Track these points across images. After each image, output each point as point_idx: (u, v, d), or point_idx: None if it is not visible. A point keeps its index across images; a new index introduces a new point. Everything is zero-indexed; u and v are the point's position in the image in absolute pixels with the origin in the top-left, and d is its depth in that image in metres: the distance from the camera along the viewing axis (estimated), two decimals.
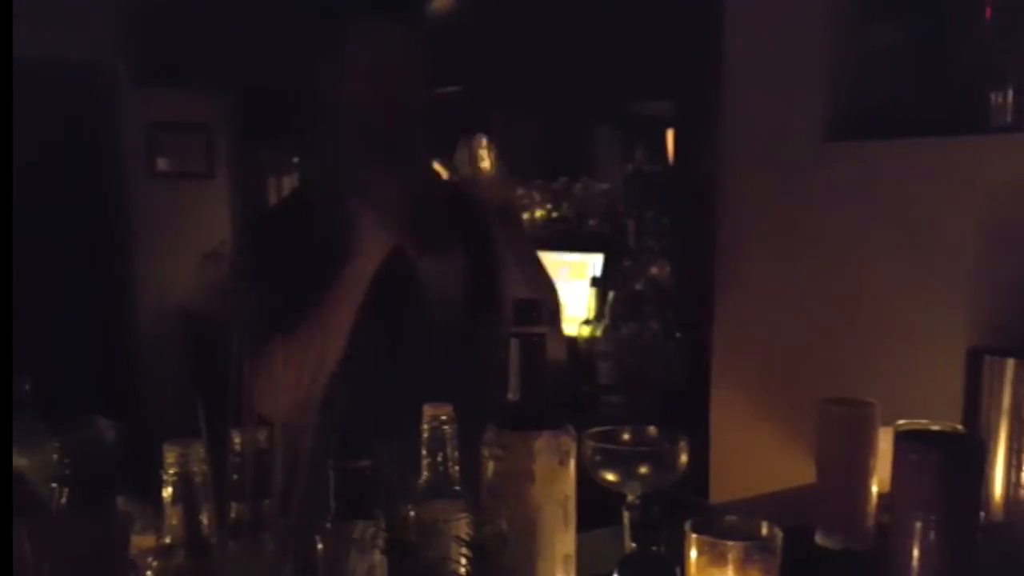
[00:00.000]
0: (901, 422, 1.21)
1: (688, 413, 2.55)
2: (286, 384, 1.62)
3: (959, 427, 1.51)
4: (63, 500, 1.01)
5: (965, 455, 0.97)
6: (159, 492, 0.94)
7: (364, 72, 1.70)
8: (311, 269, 1.61)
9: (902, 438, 1.01)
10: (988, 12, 2.06)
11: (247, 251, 1.86)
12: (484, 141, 2.35)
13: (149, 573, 0.94)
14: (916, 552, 0.96)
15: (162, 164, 5.21)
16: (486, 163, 1.93)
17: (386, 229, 1.61)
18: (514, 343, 1.09)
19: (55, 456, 1.02)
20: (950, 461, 0.95)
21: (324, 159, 1.78)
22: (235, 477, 0.99)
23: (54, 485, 1.02)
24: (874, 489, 1.39)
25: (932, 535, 0.95)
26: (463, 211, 1.81)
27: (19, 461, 2.53)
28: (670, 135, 3.28)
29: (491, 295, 1.75)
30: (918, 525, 0.96)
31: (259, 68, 4.48)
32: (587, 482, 1.21)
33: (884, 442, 1.30)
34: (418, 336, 1.72)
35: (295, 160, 4.84)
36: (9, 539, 1.11)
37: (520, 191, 3.90)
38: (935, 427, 1.32)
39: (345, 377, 1.61)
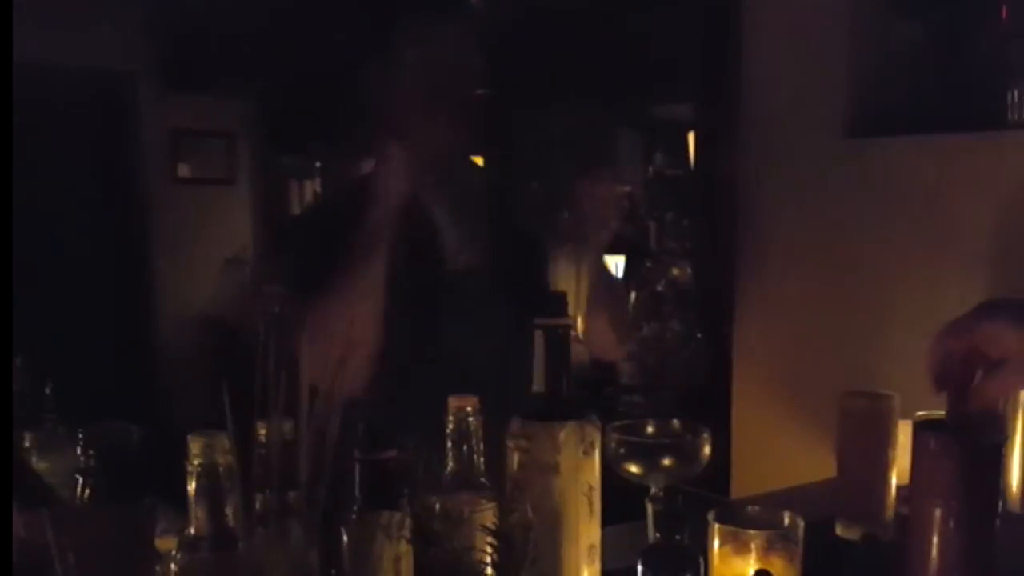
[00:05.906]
0: (920, 413, 1.22)
1: (709, 411, 2.55)
2: (324, 343, 1.59)
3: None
4: (87, 492, 1.01)
5: (984, 442, 0.97)
6: (181, 496, 0.94)
7: (419, 70, 1.68)
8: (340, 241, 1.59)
9: (921, 426, 1.01)
10: (1004, 12, 2.07)
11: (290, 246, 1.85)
12: None
13: (174, 565, 0.94)
14: (935, 540, 0.96)
15: (183, 170, 5.26)
16: None
17: (407, 168, 1.58)
18: (539, 335, 1.09)
19: (79, 449, 1.03)
20: (969, 447, 0.95)
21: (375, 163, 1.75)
22: (260, 468, 1.00)
23: (78, 477, 1.02)
24: (894, 481, 1.39)
25: (951, 523, 0.95)
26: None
27: (40, 464, 2.54)
28: (691, 137, 3.28)
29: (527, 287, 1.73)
30: (937, 513, 0.95)
31: (283, 75, 4.51)
32: (611, 479, 1.22)
33: (904, 435, 1.30)
34: (445, 319, 1.71)
35: (317, 165, 4.86)
36: (9, 539, 1.11)
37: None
38: None
39: (371, 365, 1.59)
